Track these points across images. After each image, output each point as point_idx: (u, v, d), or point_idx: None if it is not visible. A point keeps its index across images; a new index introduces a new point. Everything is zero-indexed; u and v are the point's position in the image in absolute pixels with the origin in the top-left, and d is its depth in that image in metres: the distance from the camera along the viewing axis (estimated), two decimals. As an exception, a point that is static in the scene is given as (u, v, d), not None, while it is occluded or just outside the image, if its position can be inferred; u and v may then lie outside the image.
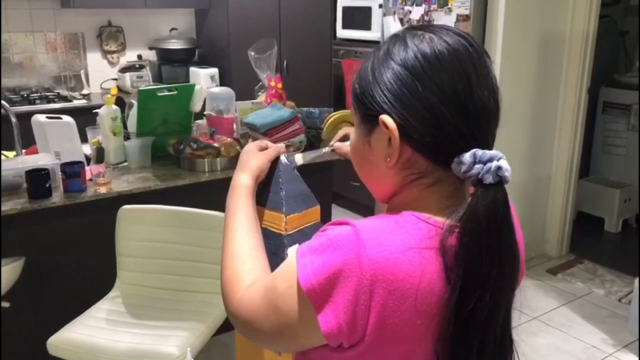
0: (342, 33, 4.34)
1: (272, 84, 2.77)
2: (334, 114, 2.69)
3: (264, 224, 1.04)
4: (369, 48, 4.03)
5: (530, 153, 3.53)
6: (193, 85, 2.58)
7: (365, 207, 4.05)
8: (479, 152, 0.73)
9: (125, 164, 2.43)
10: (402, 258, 0.71)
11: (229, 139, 2.53)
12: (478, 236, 0.72)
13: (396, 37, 0.80)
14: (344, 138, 1.17)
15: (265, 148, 1.08)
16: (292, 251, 1.04)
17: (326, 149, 1.15)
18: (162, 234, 2.01)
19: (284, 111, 2.58)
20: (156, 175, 2.31)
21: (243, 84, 3.19)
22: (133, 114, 2.50)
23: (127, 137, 2.50)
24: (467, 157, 0.73)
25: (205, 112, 2.77)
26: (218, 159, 2.39)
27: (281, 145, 1.09)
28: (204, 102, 2.74)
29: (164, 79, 4.18)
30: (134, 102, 2.51)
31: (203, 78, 4.03)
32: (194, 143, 2.42)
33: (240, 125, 2.68)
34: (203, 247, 1.98)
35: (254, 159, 1.05)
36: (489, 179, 0.72)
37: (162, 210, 2.00)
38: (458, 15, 3.25)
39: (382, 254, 0.70)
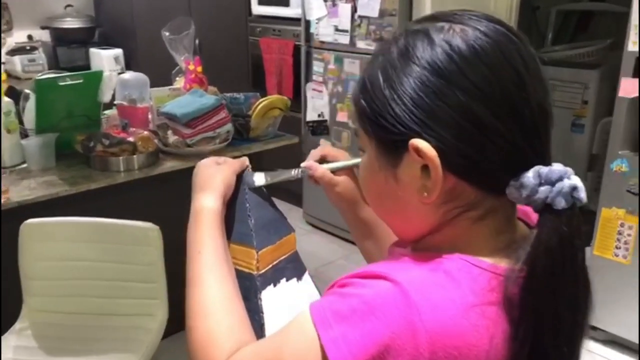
0: (257, 10, 4.06)
1: (191, 67, 2.50)
2: (262, 99, 2.46)
3: (230, 262, 0.81)
4: (288, 26, 3.79)
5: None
6: (101, 73, 2.26)
7: (293, 194, 3.86)
8: (544, 169, 0.57)
9: (24, 165, 2.09)
10: (466, 323, 0.54)
11: (145, 132, 2.25)
12: (552, 279, 0.56)
13: (415, 33, 0.60)
14: (322, 160, 0.87)
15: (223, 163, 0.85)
16: (266, 294, 0.83)
17: (296, 171, 0.87)
18: (77, 250, 1.71)
19: (207, 98, 2.33)
20: (63, 179, 1.99)
21: (153, 67, 2.87)
22: (30, 108, 2.15)
23: (24, 135, 2.15)
24: (529, 177, 0.57)
25: (115, 102, 2.45)
26: (135, 155, 2.11)
27: (244, 159, 0.86)
28: (114, 90, 2.43)
29: (60, 61, 3.76)
30: (31, 92, 2.16)
31: (106, 60, 3.65)
32: (105, 139, 2.12)
33: (156, 116, 2.40)
34: (126, 263, 1.70)
35: (217, 174, 0.81)
36: (561, 203, 0.56)
37: (75, 223, 1.70)
38: (384, -9, 3.09)
39: (442, 320, 0.53)
